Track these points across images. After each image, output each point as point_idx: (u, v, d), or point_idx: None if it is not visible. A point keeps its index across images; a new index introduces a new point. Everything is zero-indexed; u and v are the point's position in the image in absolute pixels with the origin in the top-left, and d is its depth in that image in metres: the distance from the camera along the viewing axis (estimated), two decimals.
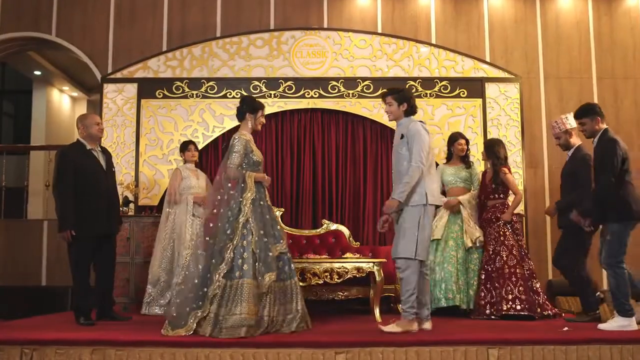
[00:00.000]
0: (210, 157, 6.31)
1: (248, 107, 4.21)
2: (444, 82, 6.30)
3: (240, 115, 4.24)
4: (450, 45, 6.54)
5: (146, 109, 6.25)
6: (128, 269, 5.64)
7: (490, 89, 6.30)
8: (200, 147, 5.96)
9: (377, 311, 4.75)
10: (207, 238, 4.02)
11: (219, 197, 4.08)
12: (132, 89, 6.26)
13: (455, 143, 5.38)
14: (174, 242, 5.25)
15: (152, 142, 6.18)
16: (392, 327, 3.91)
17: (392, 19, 6.66)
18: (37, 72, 9.27)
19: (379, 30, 6.58)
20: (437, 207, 4.20)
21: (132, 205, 6.00)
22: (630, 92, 6.68)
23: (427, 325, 4.06)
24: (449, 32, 6.66)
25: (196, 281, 3.94)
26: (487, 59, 6.54)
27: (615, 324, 3.96)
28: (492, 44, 6.67)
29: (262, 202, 4.09)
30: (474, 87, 6.31)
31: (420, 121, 4.09)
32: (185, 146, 5.56)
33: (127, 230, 5.60)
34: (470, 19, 6.69)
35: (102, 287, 4.69)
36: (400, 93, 4.13)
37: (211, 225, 4.04)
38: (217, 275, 3.85)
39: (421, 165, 3.92)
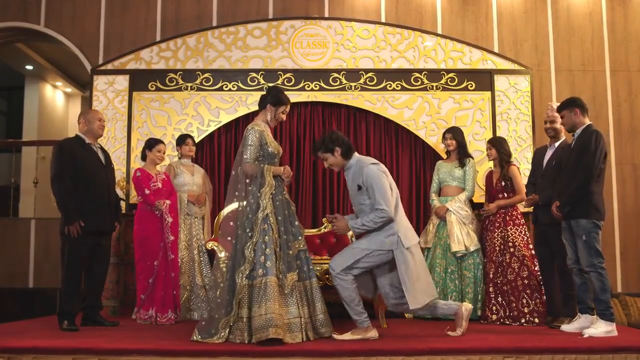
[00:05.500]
0: (206, 152, 6.02)
1: (272, 98, 3.93)
2: (450, 74, 6.00)
3: (262, 103, 3.98)
4: (457, 35, 6.25)
5: (138, 102, 5.96)
6: (117, 270, 5.35)
7: (500, 81, 6.00)
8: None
9: (381, 316, 4.45)
10: (229, 238, 3.81)
11: (236, 193, 3.83)
12: (123, 81, 5.97)
13: (443, 139, 5.32)
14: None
15: (145, 136, 5.84)
16: (347, 336, 3.70)
17: (397, 8, 6.39)
18: (29, 67, 9.00)
19: (383, 20, 6.30)
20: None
21: (123, 203, 5.69)
22: None
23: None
24: (455, 22, 6.38)
25: (222, 285, 3.72)
26: (496, 51, 6.25)
27: (601, 329, 3.75)
28: (501, 35, 6.39)
29: (280, 197, 3.82)
30: (483, 80, 6.00)
31: (374, 163, 3.79)
32: (182, 140, 5.32)
33: (117, 230, 5.28)
34: (478, 9, 6.41)
35: (91, 288, 4.46)
36: (327, 141, 3.83)
37: (231, 223, 3.82)
38: (241, 277, 3.60)
39: (387, 209, 3.64)
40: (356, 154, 3.89)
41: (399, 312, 3.80)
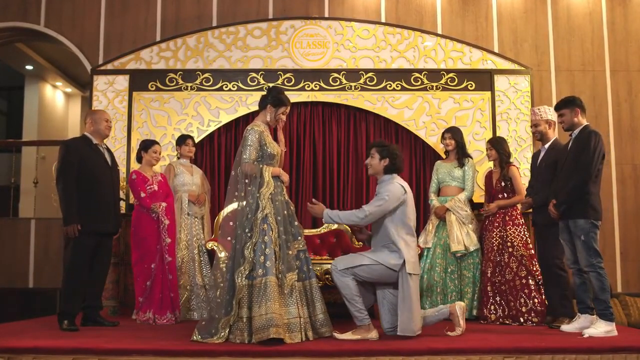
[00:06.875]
0: (206, 152, 6.02)
1: (272, 99, 3.93)
2: (450, 74, 6.00)
3: (262, 103, 3.98)
4: (457, 35, 6.25)
5: (138, 102, 5.95)
6: (117, 270, 5.35)
7: (500, 81, 6.00)
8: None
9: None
10: (229, 238, 3.83)
11: (236, 193, 3.84)
12: (123, 81, 5.96)
13: (441, 139, 5.34)
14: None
15: (145, 136, 5.83)
16: (348, 335, 3.71)
17: (397, 8, 6.38)
18: (29, 67, 8.99)
19: (383, 20, 6.30)
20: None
21: (122, 204, 5.69)
22: None
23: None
24: (455, 22, 6.38)
25: (222, 285, 3.72)
26: (496, 51, 6.25)
27: (601, 329, 3.75)
28: (500, 35, 6.39)
29: (280, 197, 3.83)
30: (483, 80, 6.00)
31: (402, 184, 3.82)
32: (182, 140, 5.32)
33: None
34: (478, 9, 6.41)
35: (92, 288, 4.45)
36: (386, 148, 3.90)
37: (230, 223, 3.83)
38: (241, 277, 3.60)
39: (368, 214, 3.71)
40: (395, 175, 3.90)
41: (392, 334, 3.81)
